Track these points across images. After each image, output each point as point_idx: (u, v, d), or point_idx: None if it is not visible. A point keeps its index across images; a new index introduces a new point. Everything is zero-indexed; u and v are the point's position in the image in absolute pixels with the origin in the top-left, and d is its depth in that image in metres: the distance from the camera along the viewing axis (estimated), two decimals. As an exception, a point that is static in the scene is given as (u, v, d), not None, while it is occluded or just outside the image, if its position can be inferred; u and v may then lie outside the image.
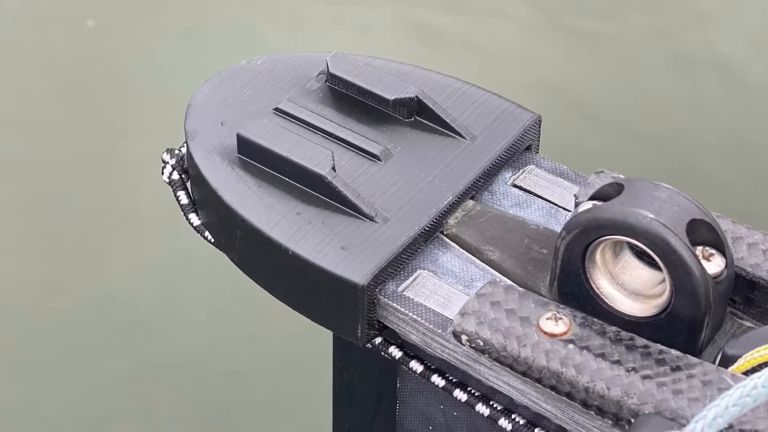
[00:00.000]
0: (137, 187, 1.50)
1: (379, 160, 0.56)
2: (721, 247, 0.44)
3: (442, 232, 0.54)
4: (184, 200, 0.60)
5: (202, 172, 0.57)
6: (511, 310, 0.46)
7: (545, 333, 0.44)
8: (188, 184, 0.60)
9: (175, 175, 0.60)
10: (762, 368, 0.37)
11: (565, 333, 0.44)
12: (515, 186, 0.57)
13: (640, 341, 0.44)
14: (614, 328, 0.45)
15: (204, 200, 0.59)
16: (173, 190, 0.61)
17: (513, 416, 0.50)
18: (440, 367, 0.52)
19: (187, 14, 1.77)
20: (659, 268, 0.43)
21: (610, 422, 0.43)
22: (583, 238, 0.45)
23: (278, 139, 0.55)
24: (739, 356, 0.43)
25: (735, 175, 1.57)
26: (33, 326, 1.38)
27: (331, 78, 0.60)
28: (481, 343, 0.45)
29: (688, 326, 0.44)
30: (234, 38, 1.71)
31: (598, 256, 0.46)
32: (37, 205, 1.52)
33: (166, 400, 1.33)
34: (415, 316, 0.49)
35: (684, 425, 0.38)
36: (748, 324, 0.48)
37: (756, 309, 0.48)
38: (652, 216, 0.42)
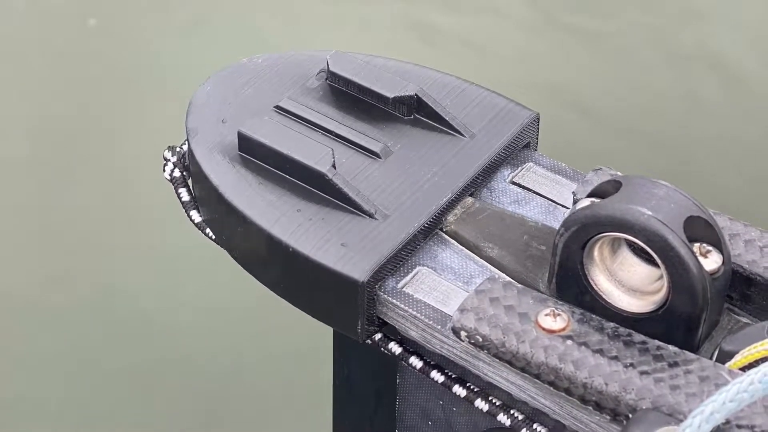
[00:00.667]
0: (139, 184, 1.50)
1: (379, 157, 0.56)
2: (718, 243, 0.45)
3: (441, 229, 0.54)
4: (186, 197, 0.60)
5: (203, 170, 0.57)
6: (510, 306, 0.46)
7: (544, 329, 0.45)
8: (189, 182, 0.61)
9: (177, 173, 0.61)
10: (759, 364, 0.37)
11: (563, 329, 0.45)
12: (514, 183, 0.58)
13: (638, 337, 0.44)
14: (612, 324, 0.45)
15: (205, 197, 0.59)
16: (174, 188, 0.61)
17: (512, 412, 0.50)
18: (440, 363, 0.52)
19: (188, 13, 1.77)
20: (657, 265, 0.44)
21: (608, 417, 0.43)
22: (581, 235, 0.45)
23: (279, 137, 0.56)
24: (736, 352, 0.44)
25: (732, 172, 1.57)
26: (34, 321, 1.38)
27: (331, 76, 0.60)
28: (480, 339, 0.46)
29: (686, 322, 0.44)
30: (235, 36, 1.71)
31: (596, 252, 0.46)
32: (38, 201, 1.52)
33: (166, 395, 1.33)
34: (414, 313, 0.50)
35: (681, 420, 0.38)
36: (745, 320, 0.49)
37: (753, 305, 0.49)
38: (650, 213, 0.42)
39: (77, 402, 1.32)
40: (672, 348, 0.43)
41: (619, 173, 0.51)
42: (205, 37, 1.72)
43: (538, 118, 0.60)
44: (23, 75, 1.69)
